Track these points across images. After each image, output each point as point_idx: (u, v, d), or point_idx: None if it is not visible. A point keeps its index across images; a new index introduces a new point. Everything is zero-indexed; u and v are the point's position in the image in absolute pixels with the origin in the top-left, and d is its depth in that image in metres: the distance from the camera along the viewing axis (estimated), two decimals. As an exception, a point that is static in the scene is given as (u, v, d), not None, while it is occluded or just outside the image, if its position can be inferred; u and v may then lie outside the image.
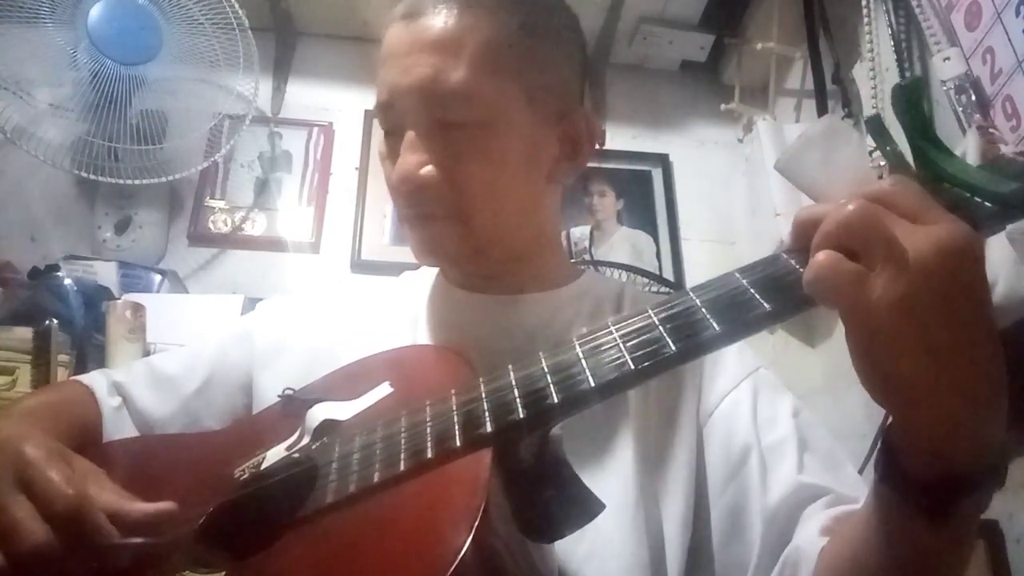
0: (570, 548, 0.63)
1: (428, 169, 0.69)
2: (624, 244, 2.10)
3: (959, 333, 0.42)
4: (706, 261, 2.05)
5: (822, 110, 1.75)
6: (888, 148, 0.48)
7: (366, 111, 2.15)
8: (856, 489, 0.65)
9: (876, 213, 0.42)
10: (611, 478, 0.67)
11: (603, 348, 0.50)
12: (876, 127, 0.49)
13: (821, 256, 0.42)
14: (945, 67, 1.29)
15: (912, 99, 0.48)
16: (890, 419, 0.47)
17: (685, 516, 0.68)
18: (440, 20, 0.69)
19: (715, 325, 0.46)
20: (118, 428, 0.76)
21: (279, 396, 0.70)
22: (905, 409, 0.45)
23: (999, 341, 0.43)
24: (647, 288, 1.84)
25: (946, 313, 0.41)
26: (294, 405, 0.67)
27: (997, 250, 1.08)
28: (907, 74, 1.45)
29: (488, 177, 0.71)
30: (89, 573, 0.53)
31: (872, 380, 0.44)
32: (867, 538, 0.53)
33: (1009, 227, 1.06)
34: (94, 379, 0.81)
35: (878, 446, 0.49)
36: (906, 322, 0.41)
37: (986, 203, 0.44)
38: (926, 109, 0.49)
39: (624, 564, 0.64)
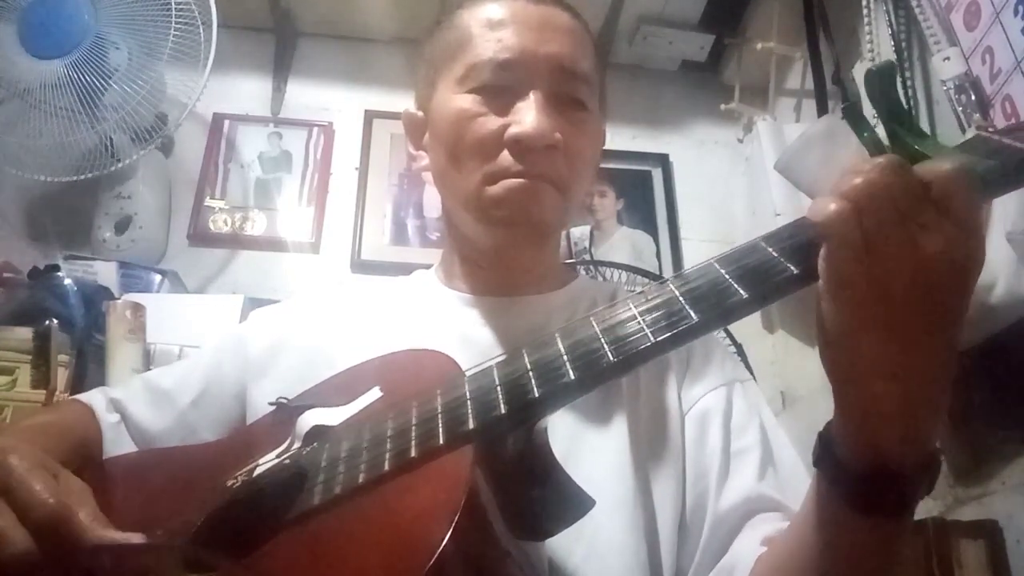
0: (569, 547, 0.63)
1: (558, 135, 0.73)
2: (624, 244, 2.10)
3: (924, 333, 0.43)
4: (706, 261, 2.05)
5: (822, 110, 1.75)
6: (865, 134, 0.49)
7: (366, 111, 2.15)
8: None
9: (881, 195, 0.42)
10: (608, 474, 0.67)
11: (584, 342, 0.50)
12: (853, 115, 0.50)
13: (844, 206, 0.42)
14: (945, 67, 1.29)
15: (885, 83, 0.48)
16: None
17: (675, 508, 0.69)
18: (564, 15, 0.79)
19: (694, 315, 0.46)
20: (117, 444, 0.77)
21: (271, 404, 0.71)
22: (846, 382, 0.46)
23: (956, 358, 0.45)
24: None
25: (928, 318, 0.42)
26: (285, 413, 0.68)
27: (997, 250, 1.08)
28: (907, 73, 1.45)
29: (589, 158, 0.79)
30: None
31: (829, 349, 0.45)
32: (800, 535, 0.54)
33: (1009, 228, 1.06)
34: (93, 397, 0.81)
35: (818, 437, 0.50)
36: (883, 307, 0.42)
37: None
38: (900, 92, 0.49)
39: (625, 562, 0.64)
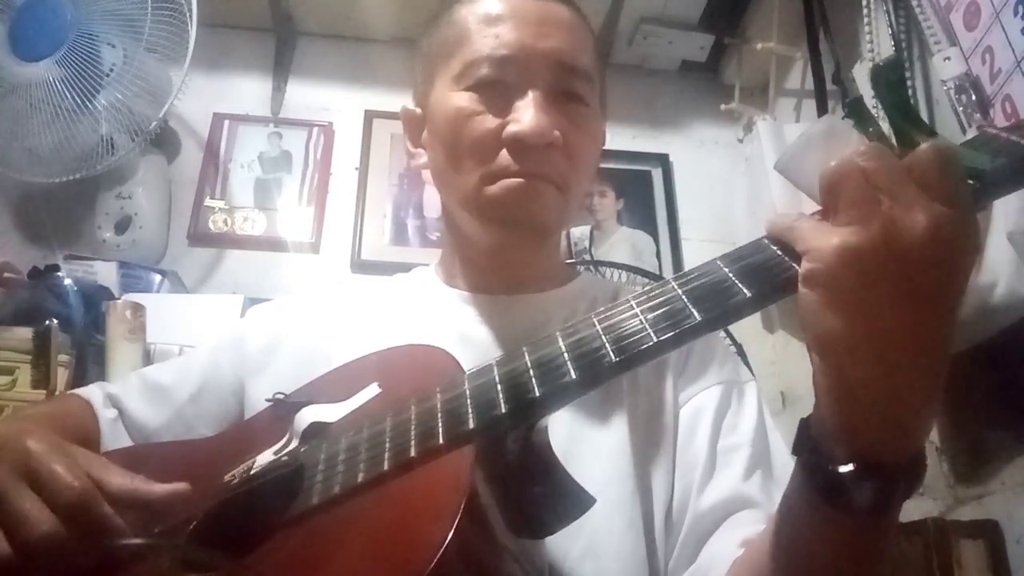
0: (567, 545, 0.63)
1: (558, 133, 0.72)
2: (624, 244, 2.10)
3: (908, 317, 0.41)
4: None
5: (822, 110, 1.75)
6: (871, 130, 0.48)
7: (366, 111, 2.15)
8: None
9: (855, 174, 0.42)
10: (608, 472, 0.67)
11: (586, 340, 0.49)
12: (857, 110, 0.49)
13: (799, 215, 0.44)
14: (945, 67, 1.29)
15: (891, 79, 0.48)
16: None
17: (668, 506, 0.68)
18: (563, 9, 0.78)
19: (697, 314, 0.46)
20: (115, 439, 0.76)
21: (268, 401, 0.70)
22: (818, 358, 0.44)
23: (948, 350, 0.42)
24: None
25: (918, 301, 0.41)
26: (283, 409, 0.67)
27: (998, 250, 1.08)
28: (907, 73, 1.45)
29: (590, 155, 0.78)
30: (91, 567, 0.54)
31: (803, 321, 0.44)
32: (776, 534, 0.52)
33: (1010, 228, 1.06)
34: (91, 392, 0.81)
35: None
36: (847, 275, 0.41)
37: (969, 180, 0.43)
38: (907, 89, 0.49)
39: (623, 560, 0.64)
